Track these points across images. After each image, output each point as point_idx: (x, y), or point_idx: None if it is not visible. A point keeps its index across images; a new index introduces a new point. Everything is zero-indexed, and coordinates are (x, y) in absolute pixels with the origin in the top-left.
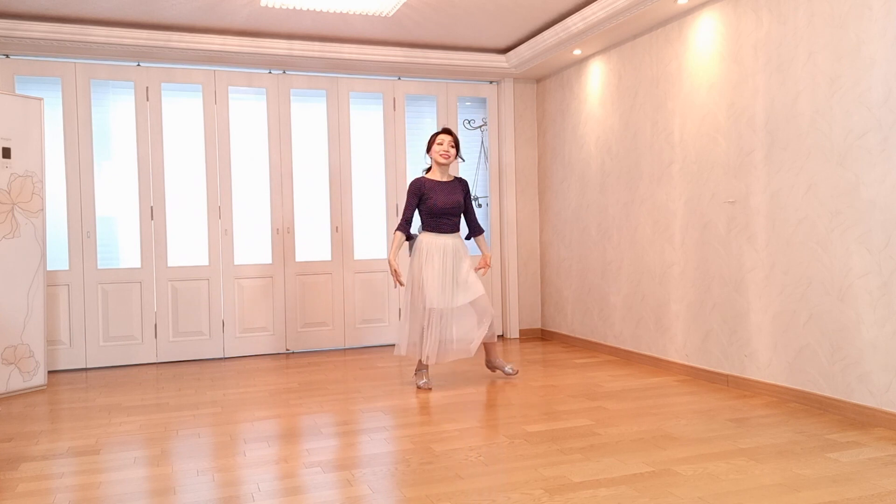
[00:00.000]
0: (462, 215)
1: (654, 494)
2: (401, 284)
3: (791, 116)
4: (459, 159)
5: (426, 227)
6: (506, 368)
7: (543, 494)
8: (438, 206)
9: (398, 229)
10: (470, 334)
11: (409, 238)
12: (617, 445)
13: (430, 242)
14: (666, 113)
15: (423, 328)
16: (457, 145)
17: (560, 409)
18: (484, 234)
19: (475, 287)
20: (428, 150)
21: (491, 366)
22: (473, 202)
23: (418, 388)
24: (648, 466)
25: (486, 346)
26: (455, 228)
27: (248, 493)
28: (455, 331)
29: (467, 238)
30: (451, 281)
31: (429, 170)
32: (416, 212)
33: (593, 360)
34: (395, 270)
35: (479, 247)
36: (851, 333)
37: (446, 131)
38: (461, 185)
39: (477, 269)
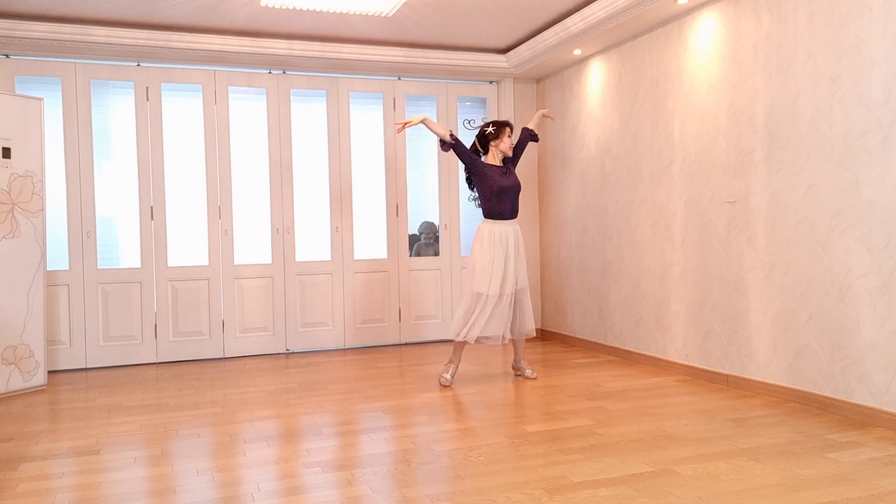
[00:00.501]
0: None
1: (654, 494)
2: (397, 129)
3: (791, 116)
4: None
5: (487, 213)
6: (526, 371)
7: (543, 494)
8: (499, 186)
9: (452, 133)
10: (502, 329)
11: (444, 144)
12: (617, 445)
13: (492, 230)
14: (666, 113)
15: (473, 310)
16: None
17: (560, 409)
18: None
19: (522, 278)
20: (492, 139)
21: (515, 366)
22: (473, 191)
23: (440, 383)
24: (648, 466)
25: (515, 345)
26: (514, 213)
27: (248, 493)
28: (495, 319)
29: (533, 140)
30: (504, 270)
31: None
32: (475, 190)
33: (593, 360)
34: (410, 121)
35: (534, 118)
36: (851, 333)
37: (510, 125)
38: (511, 166)
39: (545, 115)
